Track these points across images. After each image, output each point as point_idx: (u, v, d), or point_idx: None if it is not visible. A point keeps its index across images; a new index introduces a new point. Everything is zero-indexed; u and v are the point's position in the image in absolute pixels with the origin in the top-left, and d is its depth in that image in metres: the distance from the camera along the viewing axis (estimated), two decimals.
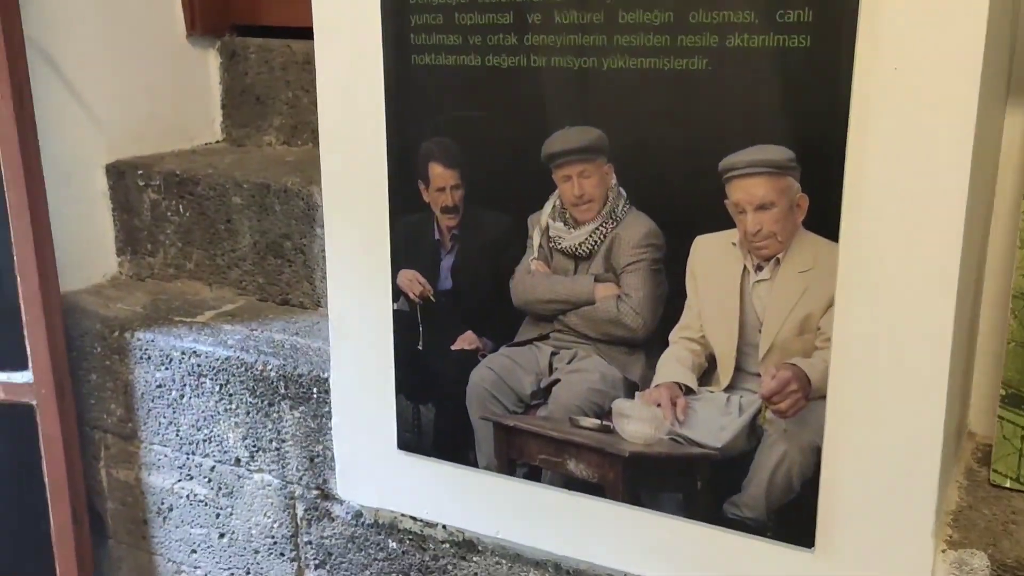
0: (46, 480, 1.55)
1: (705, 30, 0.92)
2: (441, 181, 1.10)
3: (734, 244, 0.96)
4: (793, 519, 1.00)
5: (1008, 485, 1.05)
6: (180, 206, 1.63)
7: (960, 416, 1.10)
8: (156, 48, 1.79)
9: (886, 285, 0.90)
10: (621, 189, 1.00)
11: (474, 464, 1.17)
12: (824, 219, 0.91)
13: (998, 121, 1.05)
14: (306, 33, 1.84)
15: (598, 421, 1.08)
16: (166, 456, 1.51)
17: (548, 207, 1.05)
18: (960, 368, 1.00)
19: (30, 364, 1.50)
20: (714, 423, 1.01)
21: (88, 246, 1.68)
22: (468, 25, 1.04)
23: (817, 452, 0.96)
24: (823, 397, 0.95)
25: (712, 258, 0.97)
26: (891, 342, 0.91)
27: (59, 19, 1.58)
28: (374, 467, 1.26)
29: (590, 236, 1.03)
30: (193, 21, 1.83)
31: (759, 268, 0.95)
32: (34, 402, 1.53)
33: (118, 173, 1.68)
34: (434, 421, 1.19)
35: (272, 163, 1.69)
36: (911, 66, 0.82)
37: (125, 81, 1.71)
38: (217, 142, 1.91)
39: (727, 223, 0.95)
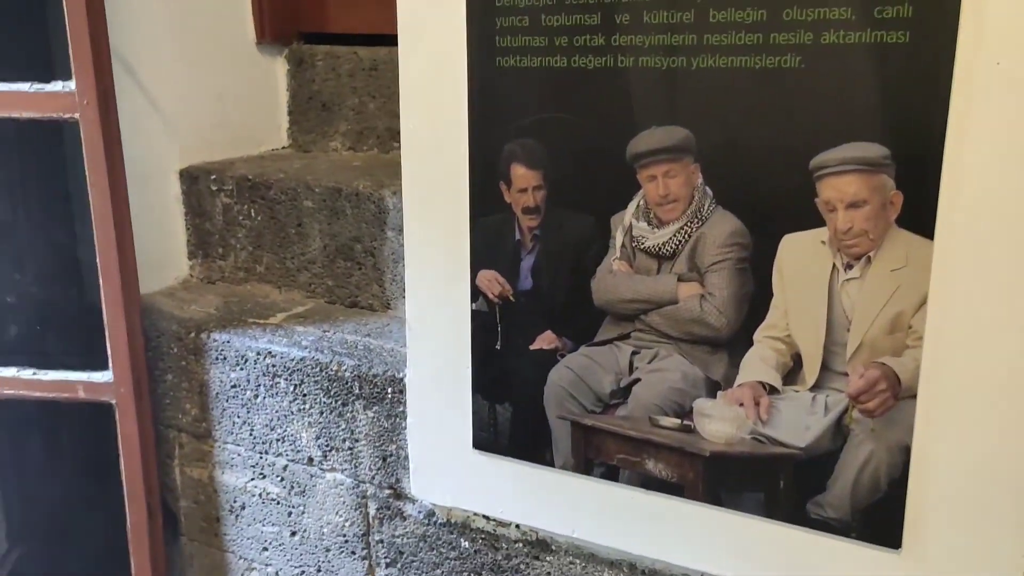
0: (123, 478, 1.59)
1: (799, 27, 0.92)
2: (523, 182, 1.11)
3: (823, 242, 0.95)
4: (879, 520, 0.99)
5: None
6: (252, 210, 1.66)
7: None
8: (227, 56, 1.83)
9: (982, 283, 0.89)
10: (707, 188, 1.01)
11: (550, 464, 1.18)
12: (919, 217, 0.90)
13: None
14: (373, 40, 1.88)
15: (679, 420, 1.08)
16: (239, 455, 1.54)
17: (632, 207, 1.05)
18: None
19: (110, 364, 1.53)
20: (799, 422, 1.01)
21: (162, 249, 1.72)
22: (555, 27, 1.05)
23: (906, 452, 0.96)
24: (913, 396, 0.94)
25: (800, 257, 0.97)
26: (986, 341, 0.90)
27: (138, 29, 1.62)
28: (448, 466, 1.28)
29: (674, 235, 1.04)
30: (263, 29, 1.87)
31: (849, 266, 0.95)
32: (113, 401, 1.56)
33: (191, 178, 1.72)
34: (510, 420, 1.20)
35: (340, 168, 1.71)
36: (1015, 60, 0.82)
37: (197, 88, 1.76)
38: (284, 148, 1.94)
39: (817, 221, 0.95)
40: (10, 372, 1.57)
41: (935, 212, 0.89)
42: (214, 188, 1.70)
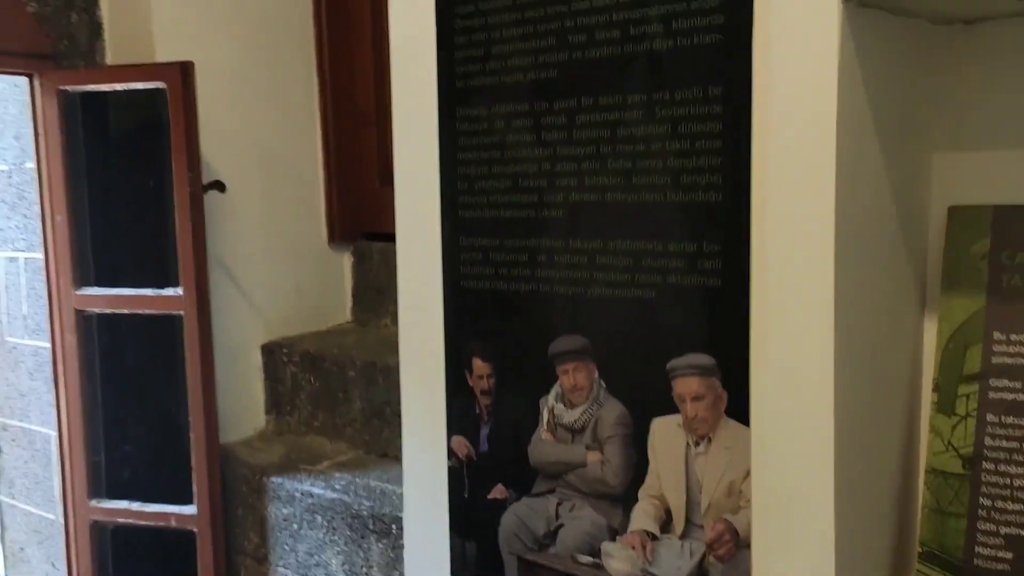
0: None
1: (653, 271, 1.29)
2: (480, 371, 1.50)
3: (679, 425, 1.28)
4: None
5: None
6: (312, 377, 2.10)
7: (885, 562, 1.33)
8: (305, 253, 2.33)
9: (783, 460, 1.19)
10: (602, 381, 1.36)
11: None
12: (739, 409, 1.22)
13: (907, 327, 1.34)
14: None
15: (591, 558, 1.39)
16: None
17: (553, 392, 1.41)
18: (866, 526, 1.26)
19: (195, 499, 1.96)
20: (673, 563, 1.31)
21: (244, 407, 2.18)
22: (499, 261, 1.46)
23: None
24: (748, 546, 1.24)
25: (665, 435, 1.30)
26: (789, 505, 1.19)
27: (236, 237, 2.13)
28: None
29: (582, 415, 1.39)
30: (333, 232, 2.37)
31: (697, 444, 1.27)
32: (196, 530, 1.98)
33: (270, 351, 2.19)
34: (476, 554, 1.53)
35: (384, 343, 2.14)
36: (785, 298, 1.16)
37: (280, 280, 2.25)
38: (347, 322, 2.40)
39: (674, 409, 1.29)
40: (123, 504, 2.03)
41: (748, 406, 1.21)
42: (285, 359, 2.15)
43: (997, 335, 1.25)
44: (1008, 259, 1.25)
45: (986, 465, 1.24)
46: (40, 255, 2.19)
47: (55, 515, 2.23)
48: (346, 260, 2.38)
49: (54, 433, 2.17)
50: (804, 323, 1.16)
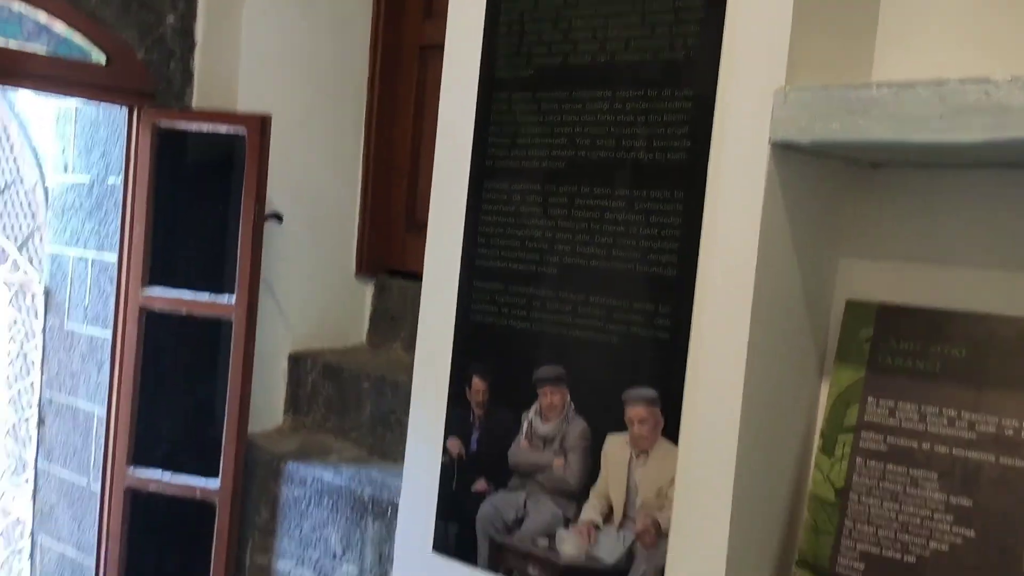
0: (212, 555, 2.34)
1: (620, 322, 1.70)
2: (478, 387, 1.89)
3: (626, 441, 1.68)
4: None
5: None
6: (328, 386, 2.49)
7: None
8: (335, 280, 2.73)
9: (698, 475, 1.59)
10: (572, 403, 1.76)
11: (476, 564, 1.87)
12: (672, 432, 1.63)
13: (806, 386, 1.75)
14: None
15: (547, 542, 1.77)
16: (290, 549, 2.27)
17: (533, 408, 1.81)
18: (756, 533, 1.65)
19: (220, 475, 2.33)
20: (610, 548, 1.69)
21: (268, 405, 2.55)
22: (503, 302, 1.86)
23: (661, 571, 1.62)
24: (666, 537, 1.62)
25: (615, 448, 1.70)
26: (698, 508, 1.59)
27: (278, 258, 2.54)
28: (415, 562, 1.98)
29: (553, 428, 1.78)
30: (360, 265, 2.78)
31: (638, 456, 1.67)
32: (216, 502, 2.34)
33: (295, 360, 2.58)
34: (456, 535, 1.91)
35: (394, 363, 2.53)
36: (712, 353, 1.57)
37: (311, 302, 2.65)
38: (362, 344, 2.79)
39: (624, 428, 1.68)
40: (157, 474, 2.39)
41: (678, 430, 1.62)
42: (307, 368, 2.54)
43: (871, 399, 1.66)
44: (883, 343, 1.67)
45: (852, 496, 1.64)
46: (107, 257, 2.59)
47: (87, 481, 2.58)
48: (368, 290, 2.77)
49: (99, 409, 2.53)
50: (722, 374, 1.57)
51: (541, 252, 1.82)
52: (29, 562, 2.77)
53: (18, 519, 2.93)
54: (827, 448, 1.68)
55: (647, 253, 1.67)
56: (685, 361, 1.61)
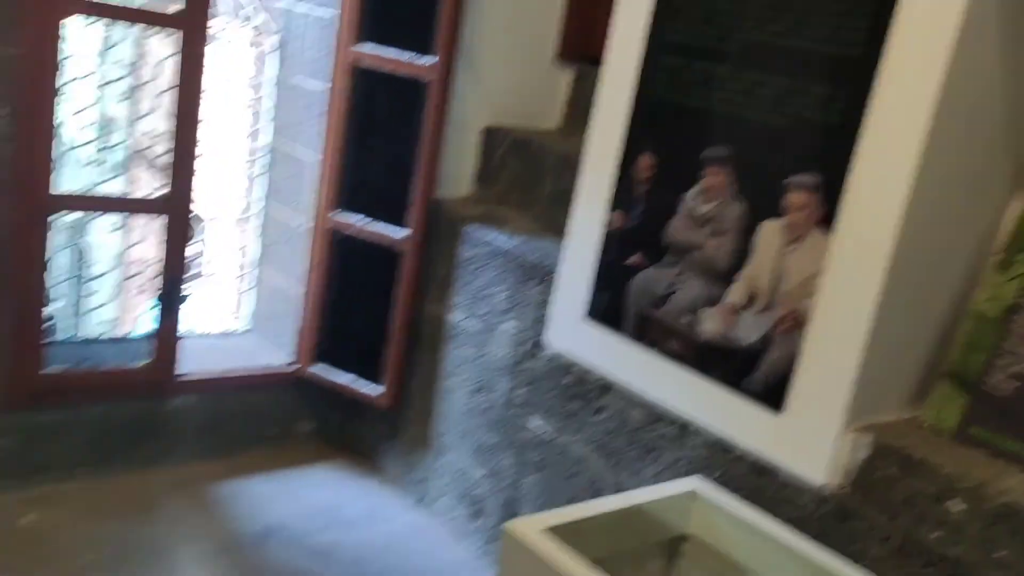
0: (397, 303, 2.59)
1: (793, 105, 1.63)
2: (645, 163, 1.91)
3: (782, 228, 1.66)
4: (776, 392, 1.67)
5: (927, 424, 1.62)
6: (515, 161, 2.58)
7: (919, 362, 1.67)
8: (534, 62, 2.76)
9: (847, 270, 1.55)
10: (734, 185, 1.74)
11: (622, 332, 1.96)
12: (828, 220, 1.58)
13: (992, 200, 1.62)
14: None
15: (691, 318, 1.82)
16: (461, 302, 2.47)
17: (694, 189, 1.81)
18: (899, 341, 1.60)
19: (409, 226, 2.53)
20: (750, 330, 1.71)
21: (460, 173, 2.69)
22: (682, 80, 1.83)
23: (795, 357, 1.63)
24: (803, 327, 1.62)
25: (769, 234, 1.68)
26: (842, 303, 1.56)
27: (482, 31, 2.59)
28: (568, 328, 2.10)
29: (712, 209, 1.78)
30: (562, 51, 2.78)
31: (791, 243, 1.64)
32: (405, 250, 2.56)
33: (488, 133, 2.68)
34: (607, 303, 2.00)
35: (581, 149, 2.57)
36: (885, 144, 1.49)
37: (509, 80, 2.70)
38: (555, 128, 2.84)
39: (781, 215, 1.66)
40: (356, 219, 2.63)
41: (835, 219, 1.57)
42: (498, 142, 2.64)
43: None
44: None
45: (1017, 317, 1.54)
46: (326, 12, 2.75)
47: (302, 222, 2.88)
48: (566, 77, 2.79)
49: (316, 156, 2.78)
50: (892, 167, 1.48)
51: (727, 27, 1.75)
52: (255, 292, 3.20)
53: (245, 256, 3.36)
54: (1003, 265, 1.58)
55: (836, 30, 1.57)
56: (853, 148, 1.53)
